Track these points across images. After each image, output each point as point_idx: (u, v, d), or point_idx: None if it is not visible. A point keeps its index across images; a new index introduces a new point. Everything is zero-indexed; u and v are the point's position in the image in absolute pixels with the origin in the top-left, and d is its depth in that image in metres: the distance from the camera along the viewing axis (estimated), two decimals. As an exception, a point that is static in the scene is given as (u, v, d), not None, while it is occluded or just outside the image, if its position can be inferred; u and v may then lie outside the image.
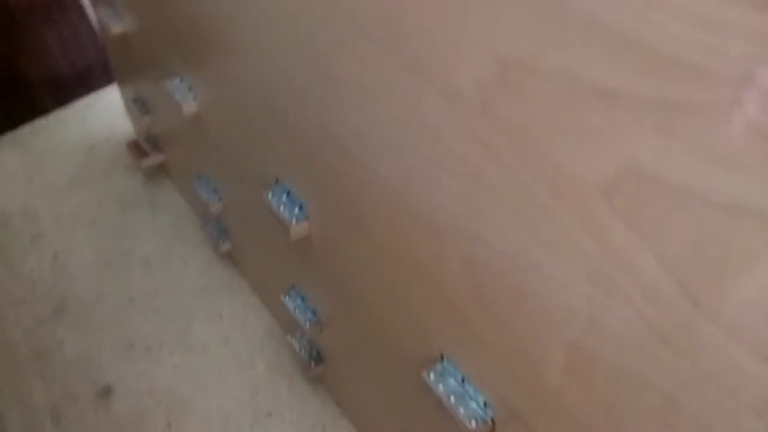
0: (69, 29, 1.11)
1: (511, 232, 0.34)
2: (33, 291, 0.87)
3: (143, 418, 0.74)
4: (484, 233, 0.36)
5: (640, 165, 0.26)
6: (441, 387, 0.45)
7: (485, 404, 0.43)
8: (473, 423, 0.43)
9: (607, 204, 0.28)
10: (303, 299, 0.69)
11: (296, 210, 0.59)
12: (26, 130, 1.11)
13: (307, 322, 0.67)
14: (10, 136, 1.10)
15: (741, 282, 0.24)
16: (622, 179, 0.27)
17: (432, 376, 0.46)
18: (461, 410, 0.44)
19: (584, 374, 0.33)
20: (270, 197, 0.60)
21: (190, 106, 0.72)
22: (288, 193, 0.59)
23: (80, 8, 1.11)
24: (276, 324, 0.82)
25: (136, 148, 0.98)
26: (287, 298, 0.69)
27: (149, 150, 0.96)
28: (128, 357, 0.80)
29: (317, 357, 0.72)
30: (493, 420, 0.43)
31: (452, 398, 0.44)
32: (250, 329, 0.82)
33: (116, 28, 0.81)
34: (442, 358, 0.46)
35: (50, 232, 0.94)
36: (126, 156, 1.04)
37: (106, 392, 0.77)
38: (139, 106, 0.94)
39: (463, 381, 0.45)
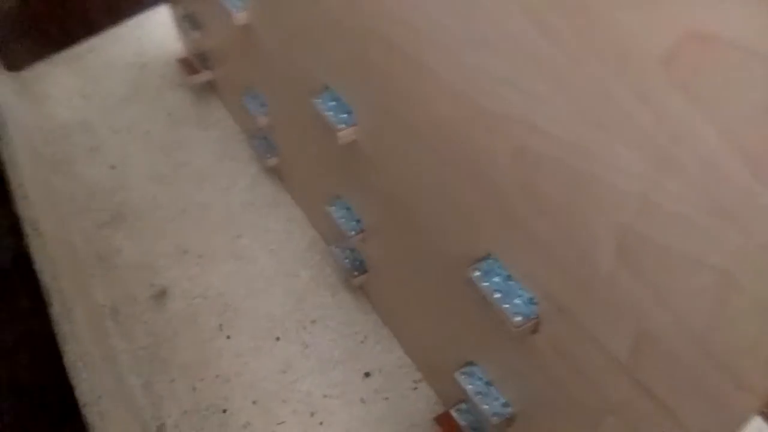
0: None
1: (565, 115, 0.33)
2: (93, 199, 0.91)
3: (196, 319, 0.78)
4: (536, 119, 0.35)
5: (700, 28, 0.25)
6: (486, 284, 0.46)
7: (530, 300, 0.44)
8: (518, 318, 0.44)
9: (665, 74, 0.27)
10: (348, 209, 0.70)
11: (344, 115, 0.59)
12: (82, 48, 1.13)
13: (352, 231, 0.68)
14: (67, 54, 1.12)
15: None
16: (681, 45, 0.26)
17: (478, 273, 0.46)
18: (506, 306, 0.44)
19: (635, 258, 0.33)
20: (319, 103, 0.60)
21: (240, 16, 0.72)
22: (337, 100, 0.60)
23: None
24: (318, 237, 0.84)
25: (187, 65, 0.99)
26: (333, 208, 0.71)
27: (199, 67, 0.97)
28: (182, 263, 0.83)
29: (360, 266, 0.73)
30: (538, 315, 0.44)
31: (497, 295, 0.45)
32: (294, 242, 0.84)
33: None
34: (488, 256, 0.47)
35: (107, 145, 0.97)
36: (176, 74, 1.05)
37: (161, 294, 0.81)
38: (189, 22, 0.94)
39: (508, 278, 0.45)
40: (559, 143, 0.35)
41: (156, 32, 1.13)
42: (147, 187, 0.91)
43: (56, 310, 0.66)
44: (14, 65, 1.09)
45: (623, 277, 0.34)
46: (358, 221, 0.69)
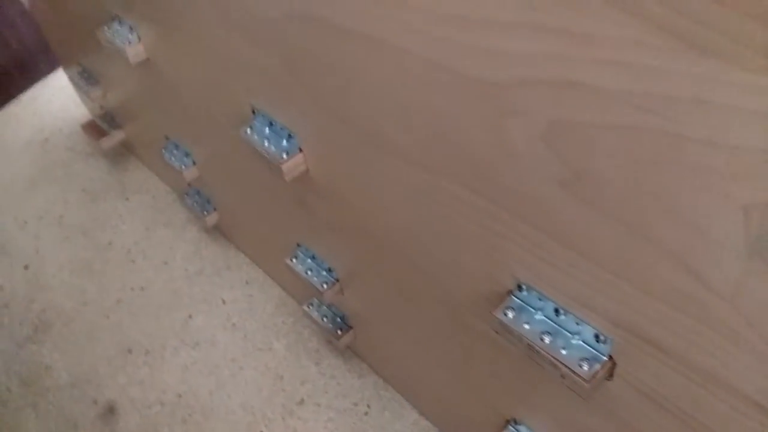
0: (1, 16, 0.96)
1: (621, 47, 0.21)
2: (8, 311, 0.75)
3: (157, 433, 0.62)
4: (574, 72, 0.23)
5: None
6: (526, 327, 0.33)
7: (596, 338, 0.31)
8: (584, 366, 0.30)
9: None
10: (314, 257, 0.56)
11: (284, 142, 0.45)
12: (-30, 136, 0.97)
13: (324, 284, 0.54)
14: (-46, 146, 0.96)
15: None
16: None
17: (511, 315, 0.33)
18: (563, 353, 0.31)
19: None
20: (249, 134, 0.46)
21: (135, 50, 0.59)
22: (271, 124, 0.46)
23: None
24: (286, 296, 0.70)
25: (94, 129, 0.84)
26: (294, 260, 0.57)
27: (107, 128, 0.83)
28: (127, 366, 0.67)
29: (343, 323, 0.59)
30: (610, 356, 0.30)
31: (546, 339, 0.32)
32: (259, 308, 0.69)
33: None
34: (520, 288, 0.33)
35: (16, 242, 0.81)
36: (85, 142, 0.90)
37: (109, 411, 0.65)
38: (86, 78, 0.80)
39: (557, 313, 0.32)
40: (619, 101, 0.22)
41: (54, 101, 0.98)
42: (71, 282, 0.75)
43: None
44: None
45: (759, 281, 0.21)
46: (329, 270, 0.55)
